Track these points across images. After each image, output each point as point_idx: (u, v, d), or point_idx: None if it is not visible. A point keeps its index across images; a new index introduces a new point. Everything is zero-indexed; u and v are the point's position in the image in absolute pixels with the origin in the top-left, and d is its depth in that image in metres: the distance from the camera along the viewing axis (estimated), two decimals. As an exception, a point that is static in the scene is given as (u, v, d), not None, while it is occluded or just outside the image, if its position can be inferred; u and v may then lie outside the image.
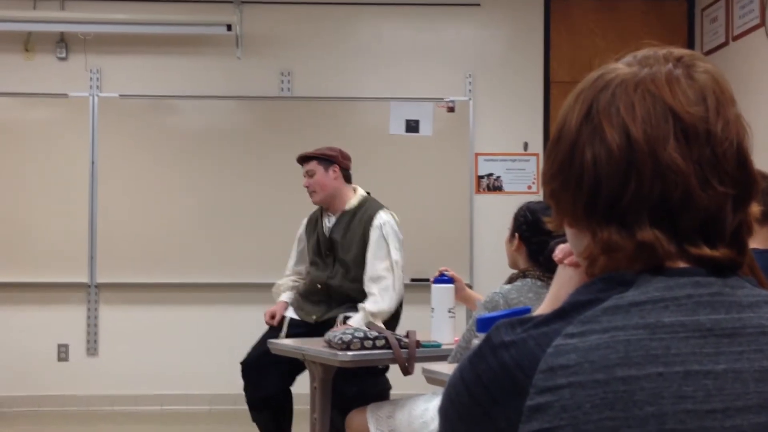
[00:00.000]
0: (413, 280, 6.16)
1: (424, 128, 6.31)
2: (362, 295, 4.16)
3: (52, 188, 6.10)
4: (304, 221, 4.50)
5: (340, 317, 4.15)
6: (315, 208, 4.43)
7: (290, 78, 6.33)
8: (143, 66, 6.31)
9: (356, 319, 4.03)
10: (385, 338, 3.42)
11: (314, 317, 4.24)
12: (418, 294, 5.97)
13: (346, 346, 3.34)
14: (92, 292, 6.15)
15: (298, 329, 4.25)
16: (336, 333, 3.42)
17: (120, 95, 6.20)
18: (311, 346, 3.53)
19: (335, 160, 4.30)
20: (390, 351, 3.38)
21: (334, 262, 4.26)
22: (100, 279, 6.13)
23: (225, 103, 6.29)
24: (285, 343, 3.81)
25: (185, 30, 6.18)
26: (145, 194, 6.17)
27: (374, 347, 3.39)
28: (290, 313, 4.35)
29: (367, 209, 4.27)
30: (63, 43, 6.23)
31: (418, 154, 6.28)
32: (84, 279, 6.11)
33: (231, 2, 6.21)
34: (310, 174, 4.29)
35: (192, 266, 6.15)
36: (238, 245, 6.15)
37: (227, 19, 6.14)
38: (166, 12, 6.18)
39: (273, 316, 4.35)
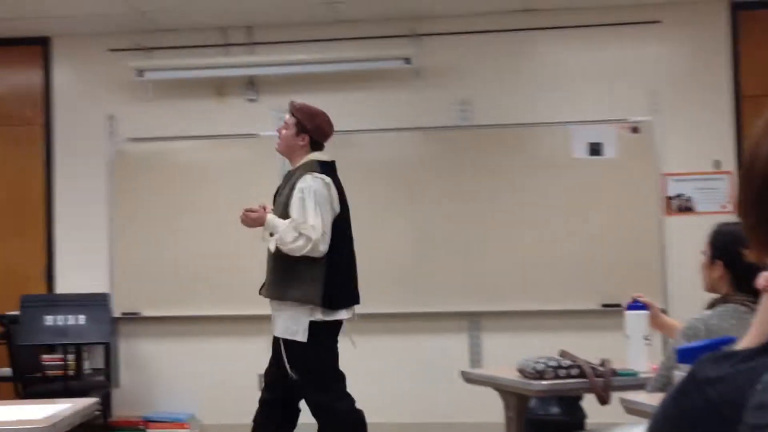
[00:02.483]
0: (605, 305, 6.08)
1: (608, 150, 6.20)
2: (274, 256, 4.23)
3: (247, 224, 6.36)
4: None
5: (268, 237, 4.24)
6: None
7: (470, 107, 6.38)
8: (326, 103, 6.46)
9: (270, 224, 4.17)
10: (579, 367, 3.38)
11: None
12: (610, 320, 5.88)
13: (540, 375, 3.33)
14: (286, 323, 6.36)
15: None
16: (529, 362, 3.41)
17: (306, 132, 6.42)
18: (505, 375, 3.53)
19: (308, 131, 4.38)
20: (585, 380, 3.34)
21: None
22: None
23: (406, 135, 6.40)
24: (478, 373, 3.82)
25: (365, 66, 6.35)
26: (332, 227, 6.34)
27: (568, 376, 3.36)
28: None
29: (304, 172, 4.28)
30: (252, 85, 6.54)
31: (603, 177, 6.18)
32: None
33: (409, 36, 6.33)
34: (284, 126, 4.42)
35: (377, 296, 6.25)
36: (423, 274, 6.22)
37: (405, 52, 6.27)
38: (347, 50, 6.37)
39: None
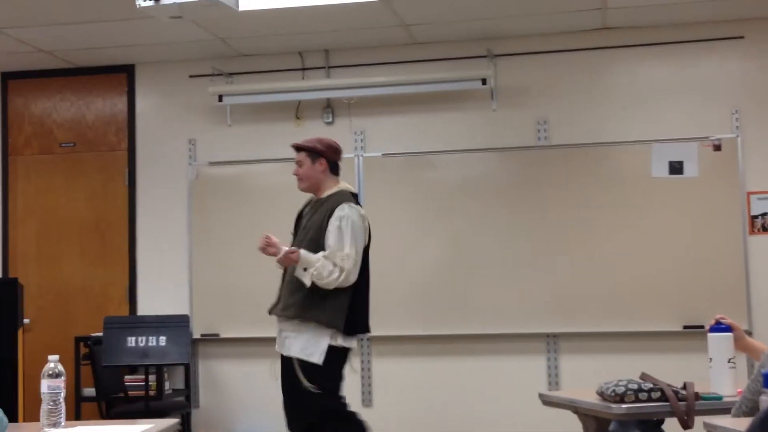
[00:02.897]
0: (686, 327, 5.95)
1: (689, 169, 6.08)
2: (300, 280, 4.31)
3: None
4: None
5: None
6: None
7: (546, 126, 6.34)
8: (403, 125, 6.55)
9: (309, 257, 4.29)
10: (661, 390, 3.31)
11: (269, 308, 4.49)
12: (692, 342, 5.77)
13: (620, 398, 3.27)
14: (365, 345, 6.38)
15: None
16: (609, 384, 3.36)
17: (383, 154, 6.46)
18: (584, 398, 3.48)
19: (322, 154, 4.51)
20: (667, 403, 3.27)
21: (293, 242, 4.48)
22: (372, 332, 6.33)
23: (482, 156, 6.38)
24: (557, 395, 3.77)
25: (441, 87, 6.36)
26: (408, 248, 6.36)
27: (649, 399, 3.29)
28: (276, 348, 4.51)
29: (335, 200, 4.44)
30: (329, 108, 6.60)
31: (684, 196, 6.06)
32: (356, 332, 6.35)
33: (485, 57, 6.32)
34: (299, 164, 4.55)
35: (454, 317, 6.25)
36: (500, 296, 6.19)
37: (482, 73, 6.26)
38: (423, 72, 6.39)
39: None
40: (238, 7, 3.90)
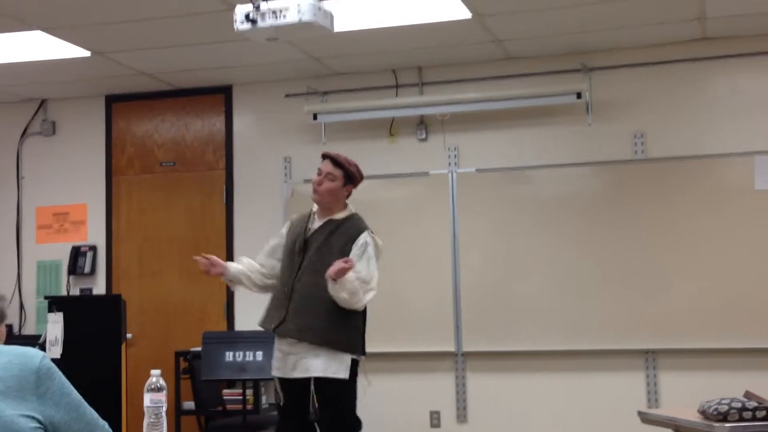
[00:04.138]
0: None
1: (794, 181, 5.91)
2: (320, 301, 4.18)
3: (419, 261, 6.43)
4: (290, 219, 4.60)
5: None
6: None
7: (643, 140, 6.23)
8: (496, 140, 6.52)
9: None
10: (766, 409, 3.21)
11: (273, 326, 4.31)
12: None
13: (723, 417, 3.19)
14: (459, 360, 6.37)
15: (283, 384, 4.32)
16: (711, 403, 3.28)
17: (476, 170, 6.45)
18: (685, 417, 3.40)
19: (355, 182, 4.41)
20: (772, 423, 3.18)
21: (300, 265, 4.29)
22: (466, 347, 6.33)
23: (578, 170, 6.31)
24: (656, 414, 3.70)
25: (535, 102, 6.32)
26: (503, 263, 6.32)
27: (754, 418, 3.20)
28: (274, 371, 4.37)
29: (354, 226, 4.36)
30: (423, 125, 6.63)
31: (789, 209, 5.89)
32: (451, 348, 6.34)
33: (579, 71, 6.26)
34: (329, 178, 4.35)
35: (551, 333, 6.18)
36: (598, 311, 6.10)
37: (576, 87, 6.20)
38: (516, 87, 6.37)
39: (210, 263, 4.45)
40: (333, 27, 3.95)
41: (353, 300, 4.16)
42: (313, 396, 4.17)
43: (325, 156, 4.46)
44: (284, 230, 4.56)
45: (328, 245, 4.32)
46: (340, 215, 4.41)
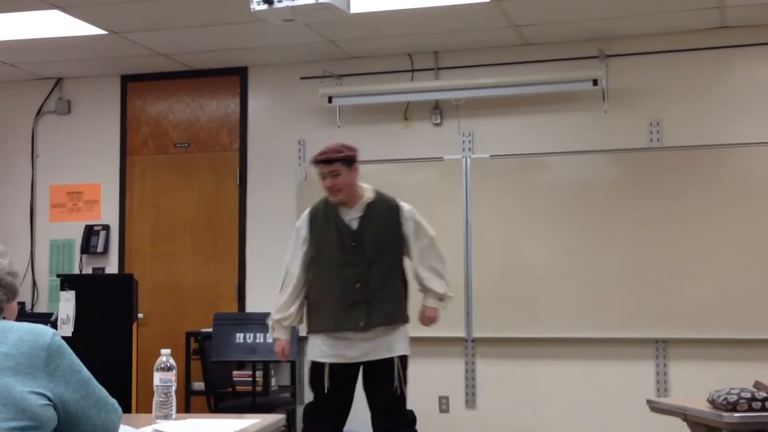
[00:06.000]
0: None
1: (811, 172, 5.86)
2: (395, 281, 4.40)
3: (430, 247, 6.41)
4: (305, 221, 4.54)
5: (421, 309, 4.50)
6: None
7: (659, 128, 6.20)
8: (511, 126, 6.50)
9: (431, 302, 4.49)
10: (776, 400, 3.20)
11: (361, 323, 4.30)
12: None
13: (732, 407, 3.18)
14: (469, 346, 6.37)
15: (337, 371, 4.36)
16: (720, 392, 3.27)
17: (491, 156, 6.43)
18: (694, 406, 3.39)
19: (355, 159, 4.44)
20: (782, 414, 3.16)
21: (363, 253, 4.34)
22: (476, 333, 6.33)
23: (593, 158, 6.29)
24: (666, 403, 3.69)
25: (551, 88, 6.29)
26: (515, 250, 6.31)
27: (763, 409, 3.19)
28: (326, 359, 4.37)
29: (388, 200, 4.51)
30: (437, 110, 6.61)
31: (806, 200, 5.85)
32: (461, 333, 6.34)
33: (596, 57, 6.22)
34: (335, 175, 4.37)
35: (562, 320, 6.17)
36: (609, 300, 6.08)
37: (593, 74, 6.17)
38: (532, 73, 6.34)
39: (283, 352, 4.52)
40: (349, 9, 3.94)
41: (447, 283, 4.59)
42: (399, 373, 4.36)
43: (316, 162, 4.48)
44: (305, 232, 4.53)
45: (377, 225, 4.44)
46: (368, 196, 4.50)
